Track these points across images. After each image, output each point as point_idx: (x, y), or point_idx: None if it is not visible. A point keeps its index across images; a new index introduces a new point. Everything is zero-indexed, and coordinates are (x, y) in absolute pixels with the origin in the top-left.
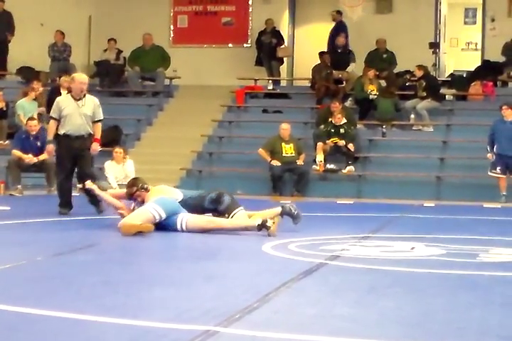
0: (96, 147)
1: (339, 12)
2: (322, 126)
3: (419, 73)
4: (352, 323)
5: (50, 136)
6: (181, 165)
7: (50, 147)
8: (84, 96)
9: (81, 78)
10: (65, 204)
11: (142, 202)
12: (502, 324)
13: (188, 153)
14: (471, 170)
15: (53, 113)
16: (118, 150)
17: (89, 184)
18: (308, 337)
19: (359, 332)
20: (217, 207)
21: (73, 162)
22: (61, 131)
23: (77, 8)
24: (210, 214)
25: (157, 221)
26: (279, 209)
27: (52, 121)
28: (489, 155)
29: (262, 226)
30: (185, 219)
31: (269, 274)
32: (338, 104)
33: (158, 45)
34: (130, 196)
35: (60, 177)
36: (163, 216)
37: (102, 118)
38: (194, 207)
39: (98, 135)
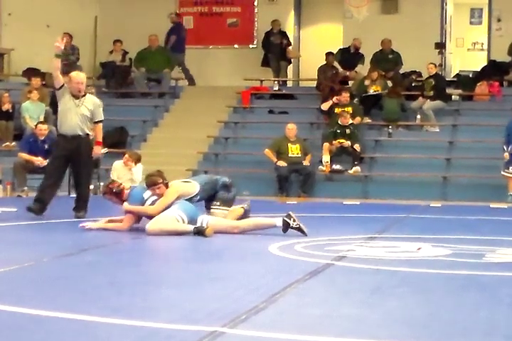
0: (98, 151)
1: (178, 14)
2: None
3: (433, 70)
4: (358, 324)
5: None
6: (187, 166)
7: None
8: (85, 95)
9: (78, 78)
10: (39, 204)
11: (160, 195)
12: (509, 324)
13: (194, 154)
14: (477, 171)
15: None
16: (126, 157)
17: (89, 225)
18: (315, 337)
19: (365, 332)
20: (227, 192)
21: (67, 164)
22: (59, 131)
23: (82, 9)
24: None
25: None
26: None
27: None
28: (505, 154)
29: (287, 225)
30: (206, 220)
31: (276, 275)
32: (349, 94)
33: (164, 47)
34: (153, 185)
35: (48, 180)
36: (186, 221)
37: (102, 118)
38: (209, 190)
39: (99, 137)
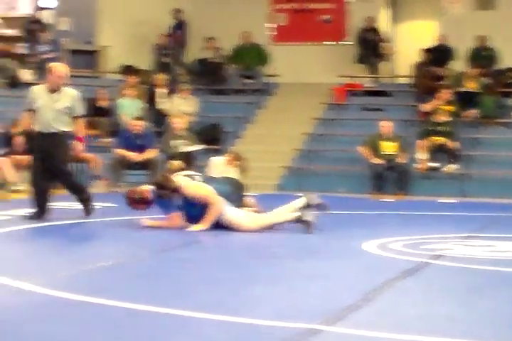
0: (79, 147)
1: (180, 11)
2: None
3: None
4: (455, 323)
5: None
6: (282, 162)
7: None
8: (62, 88)
9: (59, 71)
10: (37, 208)
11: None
12: None
13: (289, 151)
14: None
15: (27, 104)
16: (230, 156)
17: (145, 222)
18: (412, 337)
19: (462, 332)
20: None
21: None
22: (35, 128)
23: (172, 7)
24: None
25: None
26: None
27: (24, 113)
28: None
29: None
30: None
31: (372, 273)
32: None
33: (258, 43)
34: (163, 198)
35: (33, 178)
36: None
37: (82, 113)
38: None
39: (80, 133)
